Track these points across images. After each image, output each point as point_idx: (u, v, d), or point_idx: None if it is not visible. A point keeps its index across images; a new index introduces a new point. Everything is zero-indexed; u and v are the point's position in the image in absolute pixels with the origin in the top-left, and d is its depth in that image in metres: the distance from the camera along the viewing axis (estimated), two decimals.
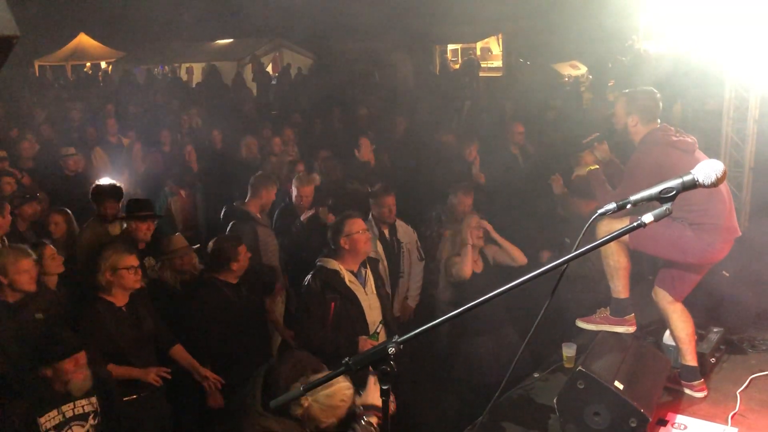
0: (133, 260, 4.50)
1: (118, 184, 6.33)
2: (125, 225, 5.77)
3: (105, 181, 6.46)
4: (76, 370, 3.72)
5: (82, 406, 3.82)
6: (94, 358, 3.98)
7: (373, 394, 3.23)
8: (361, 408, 3.23)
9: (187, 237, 6.62)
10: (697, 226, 4.09)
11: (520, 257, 5.69)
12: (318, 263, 4.75)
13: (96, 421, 3.86)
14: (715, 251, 4.18)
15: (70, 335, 3.86)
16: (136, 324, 4.53)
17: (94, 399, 3.86)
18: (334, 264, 4.66)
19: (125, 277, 4.45)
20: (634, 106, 4.33)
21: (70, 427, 3.75)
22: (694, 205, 4.03)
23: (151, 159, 8.92)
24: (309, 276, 4.71)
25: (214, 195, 7.74)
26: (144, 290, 4.80)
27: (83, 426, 3.81)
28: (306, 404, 3.10)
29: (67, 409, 3.76)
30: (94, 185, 6.31)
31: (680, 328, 4.40)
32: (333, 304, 4.55)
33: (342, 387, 3.15)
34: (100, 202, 6.08)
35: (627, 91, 4.49)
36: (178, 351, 4.81)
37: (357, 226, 4.72)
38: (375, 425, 3.09)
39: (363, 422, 3.12)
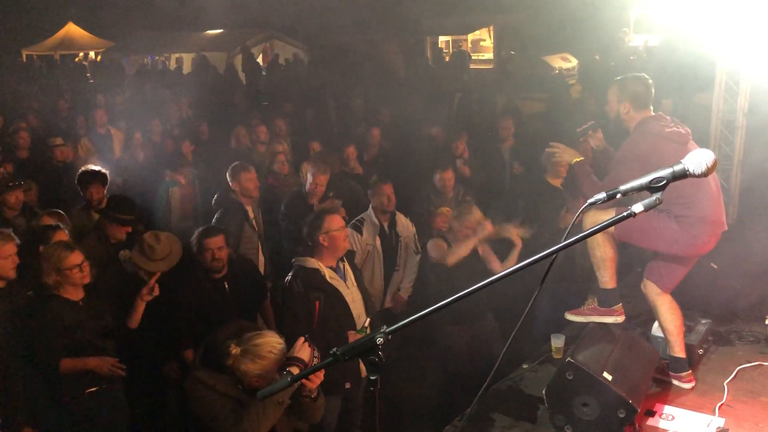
0: (76, 257, 4.31)
1: (102, 170, 6.23)
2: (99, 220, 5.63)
3: (91, 166, 6.36)
4: None
5: None
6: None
7: (299, 350, 3.35)
8: (286, 360, 3.35)
9: (185, 227, 6.58)
10: (682, 219, 4.09)
11: (494, 266, 5.54)
12: (296, 263, 4.65)
13: None
14: (701, 244, 4.19)
15: None
16: (95, 316, 4.43)
17: None
18: (312, 262, 4.57)
19: (72, 275, 4.29)
20: (625, 92, 4.33)
21: None
22: (680, 198, 4.03)
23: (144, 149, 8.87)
24: (289, 277, 4.63)
25: (207, 185, 7.71)
26: (103, 282, 4.67)
27: None
28: (234, 352, 3.29)
29: None
30: (80, 171, 6.25)
31: (669, 320, 4.41)
32: (317, 303, 4.48)
33: (271, 340, 3.36)
34: (84, 188, 6.06)
35: (618, 78, 4.49)
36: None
37: (336, 222, 4.62)
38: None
39: (285, 372, 3.23)
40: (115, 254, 5.28)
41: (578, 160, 4.57)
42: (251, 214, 6.34)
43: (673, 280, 4.43)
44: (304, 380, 3.27)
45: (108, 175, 6.25)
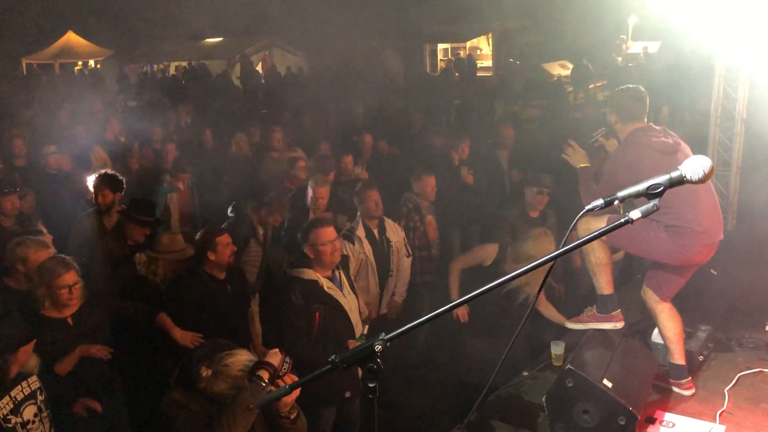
0: (70, 278, 4.22)
1: (119, 176, 6.11)
2: (119, 221, 5.64)
3: (107, 171, 6.22)
4: (29, 357, 3.73)
5: (29, 385, 3.78)
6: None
7: (270, 356, 3.30)
8: (256, 363, 3.28)
9: (185, 233, 6.56)
10: (671, 229, 4.08)
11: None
12: (293, 274, 4.60)
13: (43, 397, 3.86)
14: (691, 254, 4.17)
15: (24, 326, 3.82)
16: (85, 333, 4.32)
17: (35, 377, 3.83)
18: (310, 273, 4.53)
19: (60, 295, 4.19)
20: (614, 104, 4.37)
21: (23, 410, 3.72)
22: (667, 208, 3.99)
23: (144, 156, 8.86)
24: (286, 288, 4.57)
25: (207, 191, 7.72)
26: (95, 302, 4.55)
27: (34, 404, 3.80)
28: (205, 375, 3.27)
29: (17, 392, 3.72)
30: (97, 174, 6.14)
31: (668, 328, 4.40)
32: (317, 314, 4.45)
33: (241, 358, 3.33)
34: (96, 192, 5.96)
35: (617, 89, 4.51)
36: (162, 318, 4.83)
37: (323, 236, 4.54)
38: (266, 379, 3.16)
39: (254, 377, 3.17)
40: (131, 255, 5.30)
41: (584, 165, 4.57)
42: (260, 230, 6.31)
43: (672, 289, 4.42)
44: (266, 369, 3.21)
45: (123, 182, 6.13)
